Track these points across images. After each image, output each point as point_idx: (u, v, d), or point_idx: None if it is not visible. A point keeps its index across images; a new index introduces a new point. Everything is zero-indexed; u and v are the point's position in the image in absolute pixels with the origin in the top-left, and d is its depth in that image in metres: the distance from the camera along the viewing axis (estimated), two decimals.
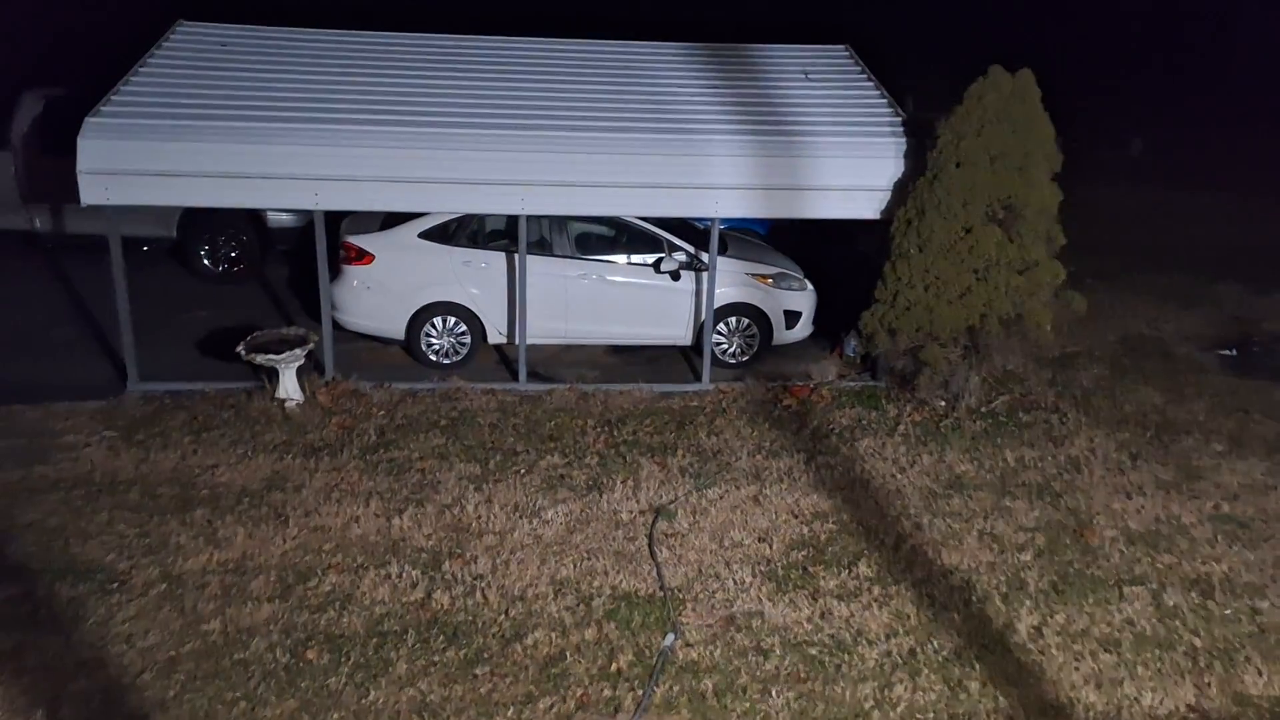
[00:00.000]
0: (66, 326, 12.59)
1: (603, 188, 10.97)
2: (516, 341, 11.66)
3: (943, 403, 11.21)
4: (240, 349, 10.71)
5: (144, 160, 10.35)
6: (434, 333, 11.89)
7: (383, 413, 10.80)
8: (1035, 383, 11.87)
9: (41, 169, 13.30)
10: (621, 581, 8.30)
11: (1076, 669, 7.53)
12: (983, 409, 11.17)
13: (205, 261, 14.09)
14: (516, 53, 12.78)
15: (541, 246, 11.89)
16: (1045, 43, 21.30)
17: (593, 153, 10.93)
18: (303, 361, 10.80)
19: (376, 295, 11.78)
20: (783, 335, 12.39)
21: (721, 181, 11.01)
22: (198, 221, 13.84)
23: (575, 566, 8.47)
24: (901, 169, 11.07)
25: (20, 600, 7.84)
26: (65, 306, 13.14)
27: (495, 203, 11.04)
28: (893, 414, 11.14)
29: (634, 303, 12.02)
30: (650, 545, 8.78)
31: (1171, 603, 8.27)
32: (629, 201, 11.19)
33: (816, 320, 12.62)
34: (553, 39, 13.14)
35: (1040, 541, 9.04)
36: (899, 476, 9.99)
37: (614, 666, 7.38)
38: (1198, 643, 7.84)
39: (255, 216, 13.99)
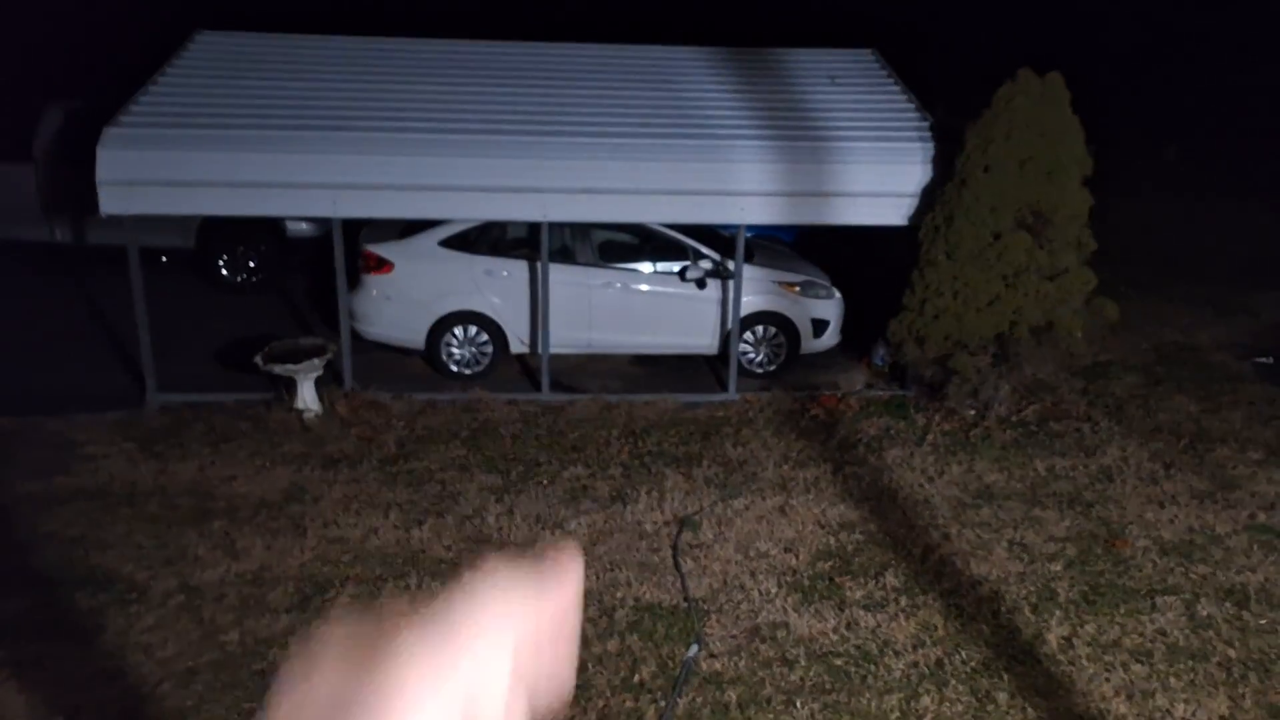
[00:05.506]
0: (86, 338, 12.57)
1: (626, 194, 10.85)
2: (539, 351, 11.57)
3: (972, 412, 11.03)
4: (258, 359, 10.65)
5: (163, 170, 10.31)
6: (455, 343, 11.79)
7: (402, 424, 10.72)
8: (1067, 391, 11.65)
9: (62, 180, 13.32)
10: (645, 593, 8.16)
11: (1107, 680, 7.32)
12: (1013, 418, 10.99)
13: (224, 272, 14.09)
14: (538, 58, 12.71)
15: (565, 254, 11.80)
16: (1079, 49, 21.12)
17: (616, 159, 10.83)
18: (321, 372, 10.72)
19: (396, 305, 11.69)
20: (810, 344, 12.23)
21: (747, 187, 10.87)
22: (217, 231, 13.83)
23: (598, 578, 8.32)
24: (929, 175, 10.92)
25: (40, 610, 7.79)
26: (85, 318, 13.14)
27: (517, 210, 10.95)
28: (921, 423, 10.97)
29: (659, 311, 11.89)
30: (674, 556, 8.65)
31: (1205, 613, 8.05)
32: (653, 208, 11.06)
33: (845, 329, 12.47)
34: (575, 44, 13.08)
35: (1071, 552, 8.84)
36: (927, 486, 9.82)
37: (636, 678, 7.23)
38: (1232, 654, 7.62)
39: (274, 226, 13.98)
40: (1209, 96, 24.06)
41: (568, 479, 9.81)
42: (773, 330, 12.08)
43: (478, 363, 11.87)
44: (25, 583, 8.07)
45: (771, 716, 6.94)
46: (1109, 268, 10.98)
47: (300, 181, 10.54)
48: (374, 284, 11.70)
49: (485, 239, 11.76)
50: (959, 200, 10.35)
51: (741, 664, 7.41)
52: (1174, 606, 8.13)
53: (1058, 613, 8.03)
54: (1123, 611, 8.08)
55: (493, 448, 10.34)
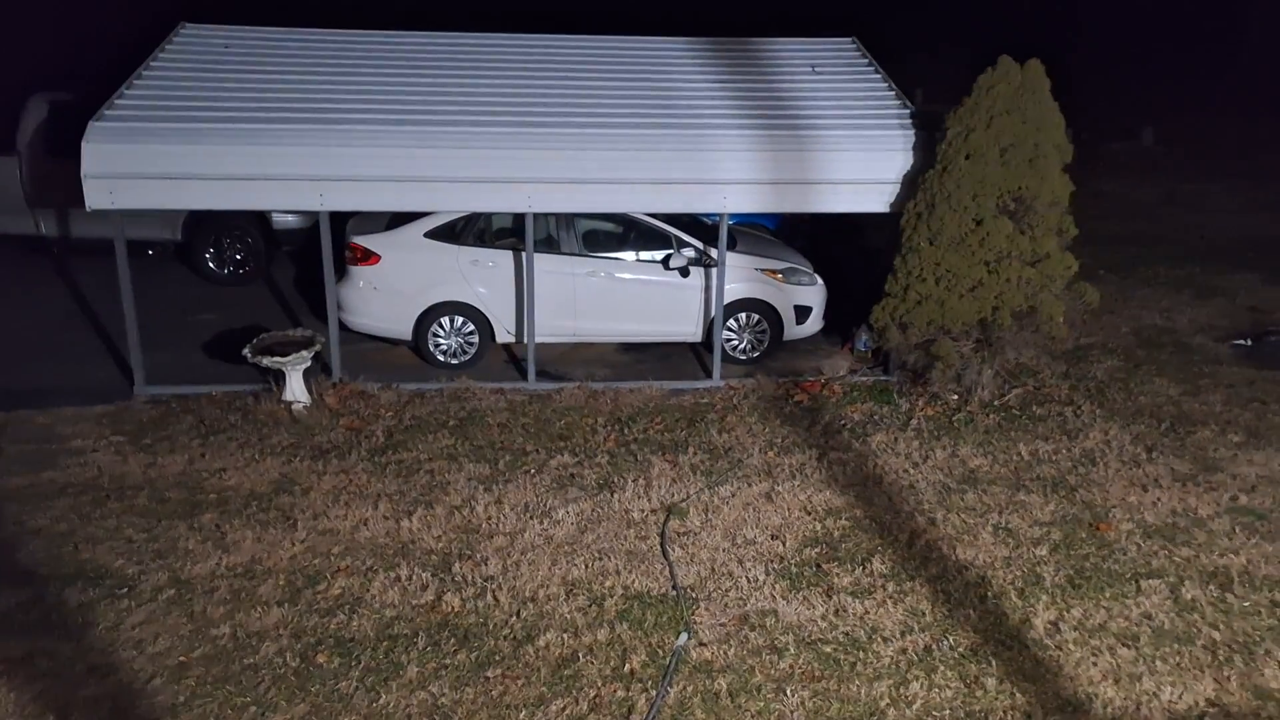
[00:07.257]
0: (72, 331, 12.54)
1: (610, 184, 10.90)
2: (525, 340, 11.60)
3: (955, 396, 11.12)
4: (246, 352, 10.66)
5: (148, 163, 10.31)
6: (442, 333, 11.81)
7: (390, 414, 10.75)
8: (1049, 375, 11.74)
9: (47, 173, 13.27)
10: (634, 581, 8.22)
11: (1094, 664, 7.42)
12: (996, 402, 11.07)
13: (211, 264, 14.06)
14: (521, 50, 12.72)
15: (549, 244, 11.82)
16: (1054, 34, 21.20)
17: (600, 149, 10.85)
18: (309, 364, 10.74)
19: (383, 296, 11.71)
20: (793, 331, 12.30)
21: (730, 177, 10.92)
22: (203, 224, 13.81)
23: (587, 567, 8.39)
24: (911, 162, 10.97)
25: (30, 606, 7.81)
26: (71, 311, 13.11)
27: (502, 201, 10.97)
28: (905, 408, 11.05)
29: (643, 300, 11.93)
30: (662, 544, 8.71)
31: (1190, 596, 8.15)
32: (637, 198, 11.10)
33: (827, 315, 12.52)
34: (558, 35, 13.08)
35: (1056, 536, 8.93)
36: (912, 471, 9.90)
37: (627, 667, 7.30)
38: (1217, 636, 7.73)
39: (260, 218, 13.95)
40: (1187, 80, 24.19)
41: (555, 467, 9.86)
42: (756, 317, 12.13)
43: (464, 352, 11.90)
44: (14, 579, 8.08)
45: (762, 704, 7.01)
46: (1087, 252, 11.08)
47: (286, 174, 10.53)
48: (361, 275, 11.70)
49: (471, 230, 11.77)
50: (941, 187, 10.41)
51: (731, 652, 7.48)
52: (1159, 590, 8.23)
53: (1044, 597, 8.13)
54: (1108, 595, 8.17)
55: (480, 437, 10.38)
